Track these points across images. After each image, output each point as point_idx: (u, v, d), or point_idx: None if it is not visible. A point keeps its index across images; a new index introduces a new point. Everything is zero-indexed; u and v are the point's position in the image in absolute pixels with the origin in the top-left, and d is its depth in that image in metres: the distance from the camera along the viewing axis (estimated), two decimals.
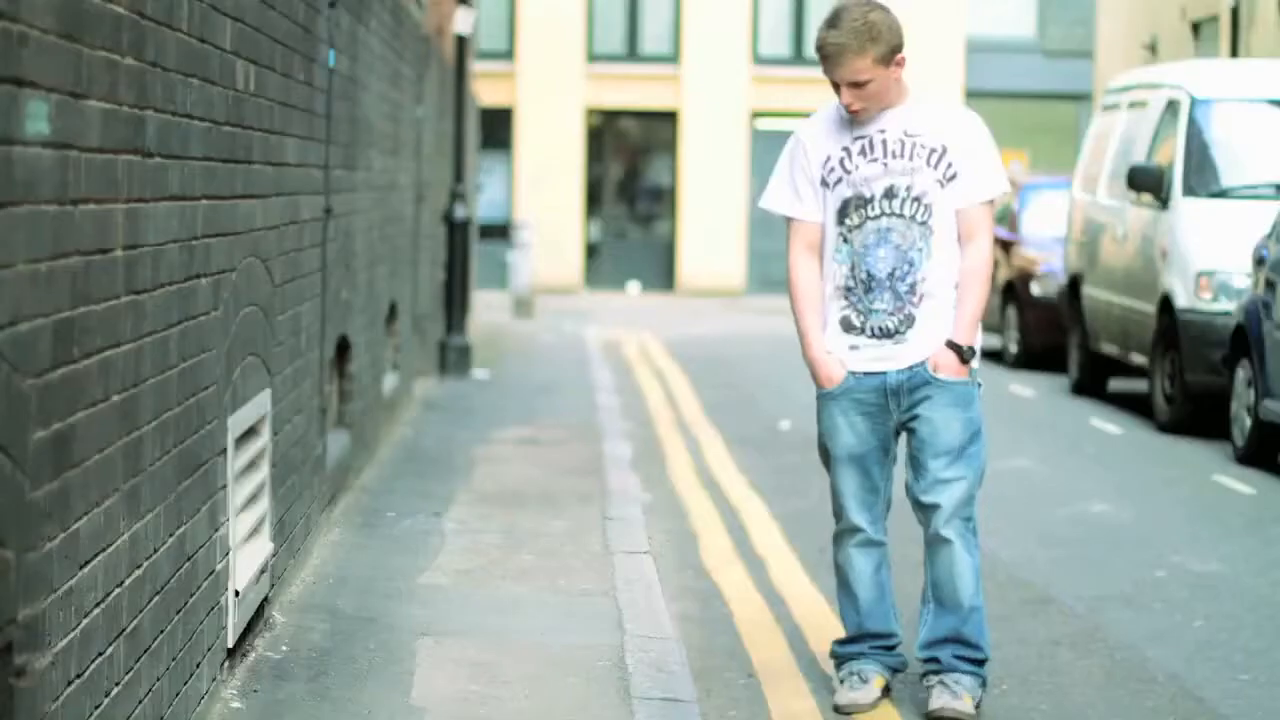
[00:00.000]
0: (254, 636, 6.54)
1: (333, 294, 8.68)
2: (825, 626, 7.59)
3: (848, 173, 6.31)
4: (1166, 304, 14.34)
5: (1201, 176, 14.67)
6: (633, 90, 34.32)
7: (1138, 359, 15.21)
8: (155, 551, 4.84)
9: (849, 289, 6.33)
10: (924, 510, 6.39)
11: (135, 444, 4.62)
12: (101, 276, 4.28)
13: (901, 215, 6.28)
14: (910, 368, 6.31)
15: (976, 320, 6.35)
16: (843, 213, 6.32)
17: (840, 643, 6.63)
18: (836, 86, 6.26)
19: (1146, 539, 9.77)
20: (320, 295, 8.25)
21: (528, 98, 33.93)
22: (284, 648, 6.59)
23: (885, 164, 6.28)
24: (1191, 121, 14.89)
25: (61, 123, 3.92)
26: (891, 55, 6.19)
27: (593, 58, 34.28)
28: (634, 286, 34.10)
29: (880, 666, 6.52)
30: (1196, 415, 14.00)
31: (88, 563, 4.20)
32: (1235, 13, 23.53)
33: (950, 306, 6.32)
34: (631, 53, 34.57)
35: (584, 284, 33.97)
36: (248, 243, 6.22)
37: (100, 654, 4.32)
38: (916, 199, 6.27)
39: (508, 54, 33.86)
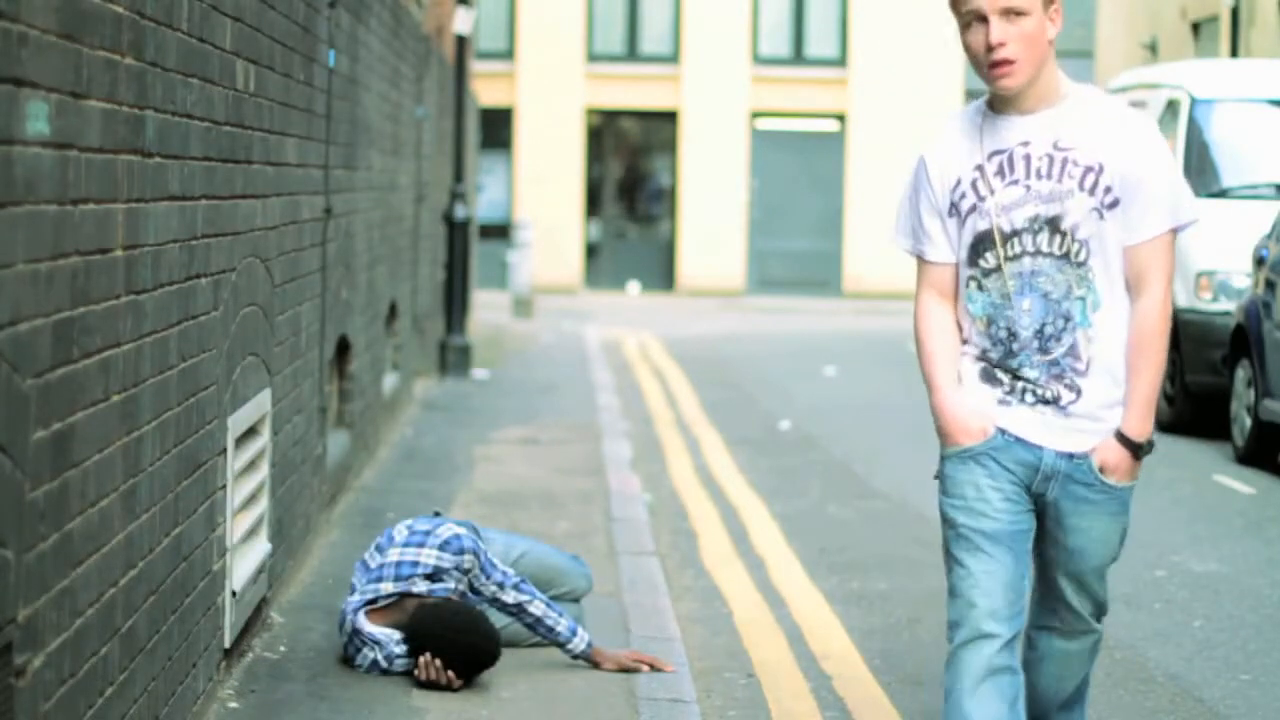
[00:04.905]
0: (252, 637, 6.54)
1: (333, 294, 8.68)
2: (825, 626, 7.59)
3: (981, 199, 4.87)
4: None
5: (1201, 176, 14.66)
6: (633, 90, 34.31)
7: None
8: (151, 551, 4.84)
9: (985, 351, 4.92)
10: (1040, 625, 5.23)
11: (135, 444, 4.62)
12: (101, 276, 4.27)
13: (1051, 254, 4.83)
14: (1072, 457, 4.88)
15: (1152, 402, 4.86)
16: (976, 251, 4.89)
17: None
18: (972, 23, 4.77)
19: (1146, 539, 9.76)
20: (320, 295, 8.25)
21: (528, 98, 33.93)
22: (282, 648, 6.58)
23: (1028, 186, 4.83)
24: (1191, 121, 14.89)
25: (61, 123, 3.92)
26: None
27: (592, 58, 34.27)
28: (634, 286, 34.08)
29: None
30: (1196, 415, 14.00)
31: (82, 562, 4.20)
32: (1235, 13, 23.52)
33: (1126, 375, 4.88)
34: (631, 53, 34.56)
35: (584, 284, 33.95)
36: (248, 243, 6.22)
37: (94, 654, 4.31)
38: (1068, 233, 4.82)
39: (508, 54, 33.86)
